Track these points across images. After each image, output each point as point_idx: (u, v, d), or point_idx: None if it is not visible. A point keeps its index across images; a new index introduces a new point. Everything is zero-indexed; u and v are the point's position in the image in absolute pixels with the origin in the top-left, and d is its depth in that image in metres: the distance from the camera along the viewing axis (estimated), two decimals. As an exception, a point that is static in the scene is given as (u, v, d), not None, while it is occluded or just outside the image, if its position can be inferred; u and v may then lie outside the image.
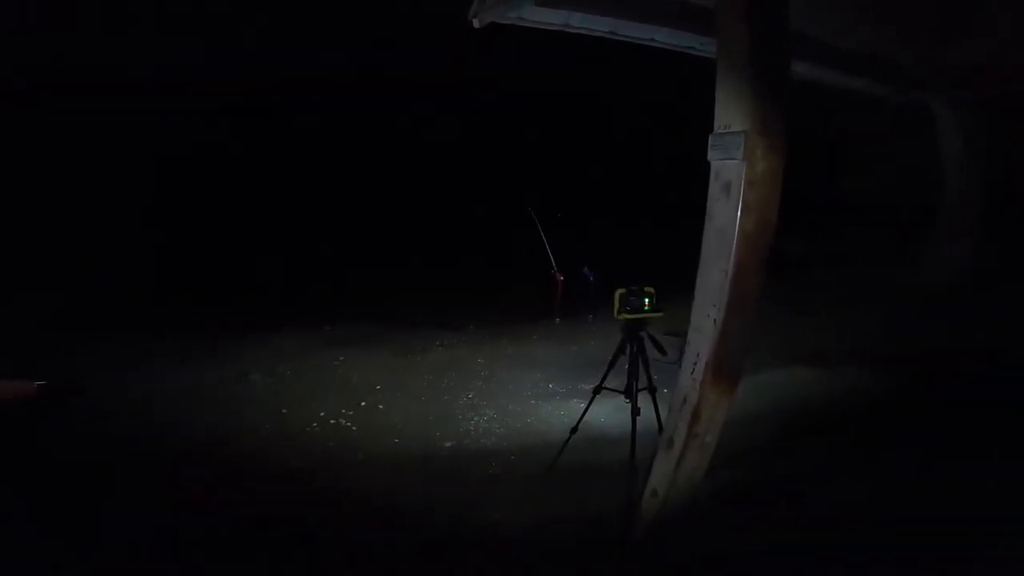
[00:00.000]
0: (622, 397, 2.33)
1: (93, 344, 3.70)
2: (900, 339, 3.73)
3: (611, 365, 2.34)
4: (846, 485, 2.24)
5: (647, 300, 2.18)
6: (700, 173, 1.90)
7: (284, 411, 2.88)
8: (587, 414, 2.53)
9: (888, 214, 5.71)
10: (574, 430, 2.52)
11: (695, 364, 1.59)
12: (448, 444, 2.81)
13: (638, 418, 2.17)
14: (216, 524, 2.02)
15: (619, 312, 2.20)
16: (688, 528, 1.86)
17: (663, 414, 2.20)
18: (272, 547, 1.96)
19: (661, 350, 2.30)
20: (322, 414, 2.91)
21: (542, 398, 3.35)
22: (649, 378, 2.27)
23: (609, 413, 2.89)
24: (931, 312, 4.09)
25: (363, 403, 3.12)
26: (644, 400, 2.27)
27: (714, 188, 1.72)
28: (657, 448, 1.82)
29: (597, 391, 2.41)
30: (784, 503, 2.12)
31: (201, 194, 5.84)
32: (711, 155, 1.75)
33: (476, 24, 2.69)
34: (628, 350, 2.25)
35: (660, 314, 2.19)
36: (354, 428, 2.83)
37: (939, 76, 4.05)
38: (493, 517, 2.22)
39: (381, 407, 3.11)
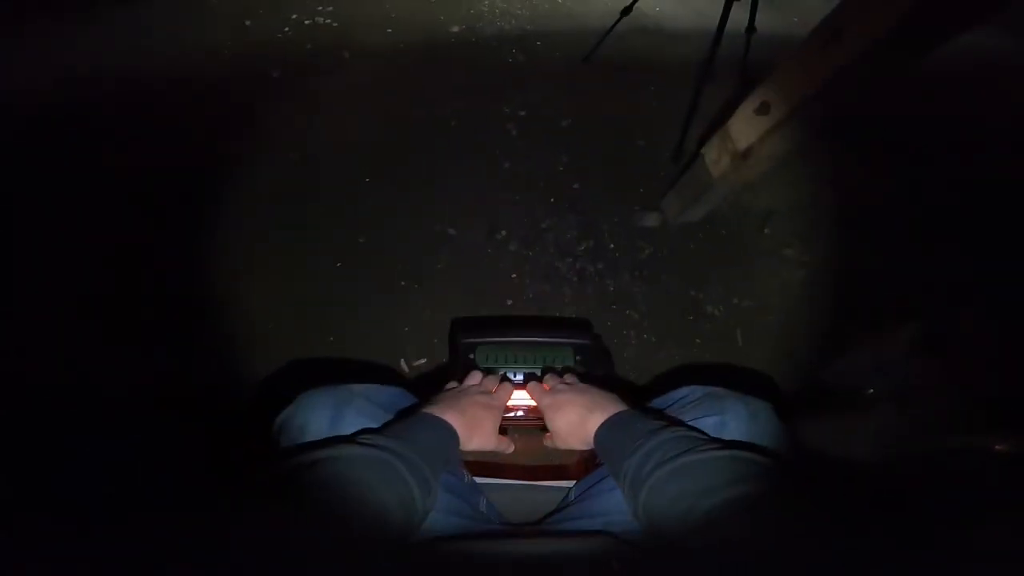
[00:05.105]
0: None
1: None
2: None
3: None
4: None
5: None
6: None
7: (248, 23, 2.25)
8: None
9: None
10: (627, 11, 1.86)
11: None
12: (456, 29, 2.22)
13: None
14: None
15: None
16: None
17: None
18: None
19: None
20: (294, 16, 2.25)
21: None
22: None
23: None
24: None
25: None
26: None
27: None
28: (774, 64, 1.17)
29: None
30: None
31: None
32: None
33: None
34: None
35: None
36: (335, 24, 2.21)
37: None
38: (514, 111, 1.85)
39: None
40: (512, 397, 0.92)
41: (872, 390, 1.34)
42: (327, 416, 0.69)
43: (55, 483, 1.14)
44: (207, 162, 1.71)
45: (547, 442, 0.85)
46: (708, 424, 0.69)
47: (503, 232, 1.63)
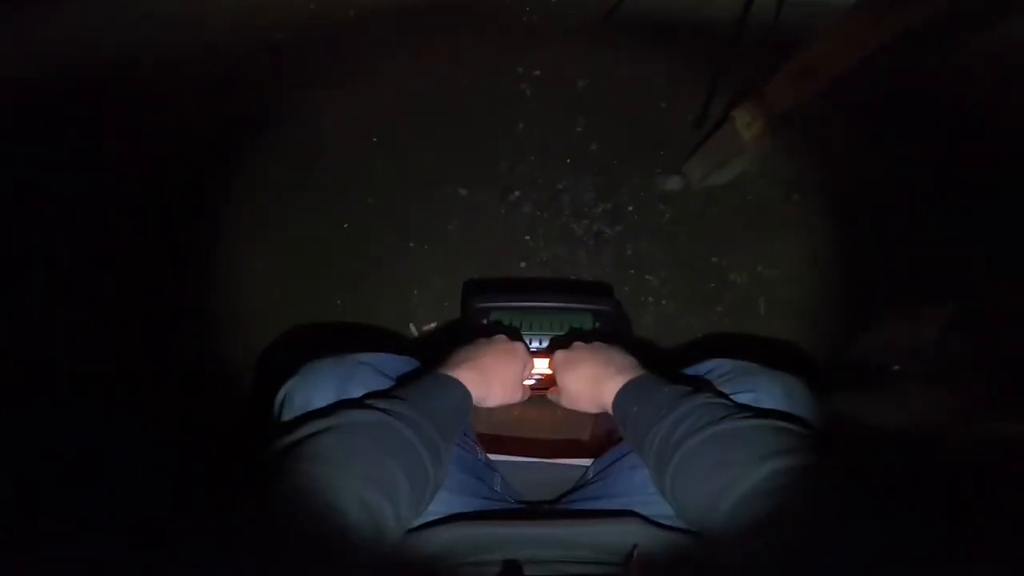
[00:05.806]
0: None
1: None
2: None
3: None
4: None
5: None
6: None
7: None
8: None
9: None
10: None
11: None
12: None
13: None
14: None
15: None
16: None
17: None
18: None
19: None
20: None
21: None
22: None
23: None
24: None
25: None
26: None
27: None
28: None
29: None
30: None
31: None
32: None
33: None
34: None
35: None
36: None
37: None
38: (528, 71, 1.76)
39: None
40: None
41: (897, 367, 1.28)
42: (332, 388, 0.64)
43: (55, 483, 1.14)
44: (212, 128, 1.65)
45: (551, 396, 0.80)
46: (741, 402, 0.64)
47: (517, 193, 1.56)
